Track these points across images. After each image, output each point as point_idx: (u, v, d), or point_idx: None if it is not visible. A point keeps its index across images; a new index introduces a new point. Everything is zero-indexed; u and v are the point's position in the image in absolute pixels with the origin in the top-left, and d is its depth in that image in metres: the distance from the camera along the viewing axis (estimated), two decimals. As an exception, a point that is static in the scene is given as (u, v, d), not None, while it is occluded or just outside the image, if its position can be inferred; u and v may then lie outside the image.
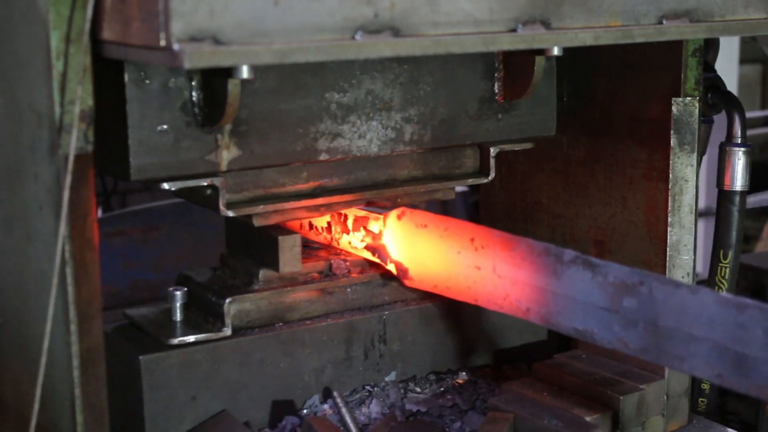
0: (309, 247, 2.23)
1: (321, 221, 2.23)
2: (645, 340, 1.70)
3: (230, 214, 1.92)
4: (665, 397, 2.11)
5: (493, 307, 1.93)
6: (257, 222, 2.00)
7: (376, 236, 2.14)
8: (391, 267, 2.14)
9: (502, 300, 1.90)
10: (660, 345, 1.68)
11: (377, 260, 2.16)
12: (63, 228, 1.57)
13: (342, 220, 2.19)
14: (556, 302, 1.81)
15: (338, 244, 2.22)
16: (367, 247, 2.16)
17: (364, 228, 2.16)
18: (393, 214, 2.11)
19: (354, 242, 2.19)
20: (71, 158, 1.55)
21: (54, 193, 1.59)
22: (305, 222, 2.26)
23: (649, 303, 1.69)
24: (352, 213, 2.18)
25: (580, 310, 1.78)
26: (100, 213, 4.17)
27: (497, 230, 1.94)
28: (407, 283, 2.13)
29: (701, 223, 2.32)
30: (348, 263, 2.17)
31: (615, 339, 1.74)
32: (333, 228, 2.21)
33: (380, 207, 2.15)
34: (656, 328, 1.68)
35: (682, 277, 2.19)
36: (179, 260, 3.65)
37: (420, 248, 2.06)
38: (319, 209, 2.07)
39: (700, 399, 2.41)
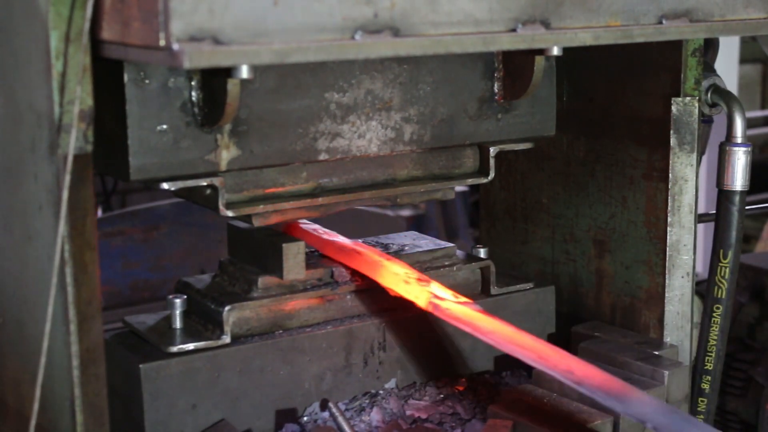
0: (309, 255, 2.21)
1: None
2: None
3: (230, 214, 1.92)
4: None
5: None
6: (257, 222, 1.99)
7: None
8: None
9: None
10: None
11: None
12: (62, 228, 1.57)
13: None
14: None
15: None
16: None
17: None
18: None
19: None
20: (71, 158, 1.55)
21: (53, 193, 1.59)
22: None
23: None
24: None
25: None
26: (99, 213, 4.17)
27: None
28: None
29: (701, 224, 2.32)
30: (350, 271, 2.16)
31: None
32: None
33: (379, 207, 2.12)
34: None
35: (682, 277, 2.19)
36: (179, 260, 3.65)
37: None
38: (318, 209, 2.06)
39: (700, 399, 2.41)
